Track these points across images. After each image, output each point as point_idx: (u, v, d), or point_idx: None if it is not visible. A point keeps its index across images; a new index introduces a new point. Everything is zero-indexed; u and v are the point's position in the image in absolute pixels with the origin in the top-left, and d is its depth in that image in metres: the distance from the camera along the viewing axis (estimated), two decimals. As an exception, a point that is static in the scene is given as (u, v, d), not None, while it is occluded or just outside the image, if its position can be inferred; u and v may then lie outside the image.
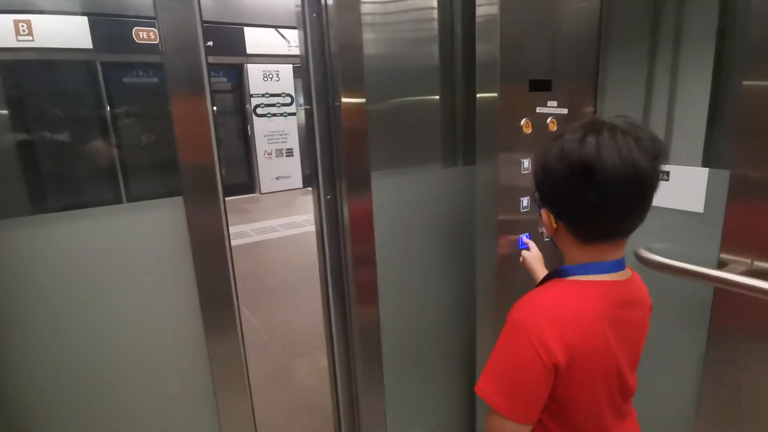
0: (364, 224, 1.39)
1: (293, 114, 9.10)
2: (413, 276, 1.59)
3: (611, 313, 0.80)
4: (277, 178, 9.07)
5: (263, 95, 8.72)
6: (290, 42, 8.72)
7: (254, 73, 8.55)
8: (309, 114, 1.37)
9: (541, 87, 1.40)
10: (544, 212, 0.86)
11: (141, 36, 4.36)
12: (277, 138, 8.99)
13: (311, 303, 3.76)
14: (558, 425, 0.87)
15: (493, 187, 1.41)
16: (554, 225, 0.85)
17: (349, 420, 1.62)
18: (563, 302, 0.80)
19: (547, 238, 0.94)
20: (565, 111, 1.45)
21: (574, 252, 0.84)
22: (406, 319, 1.61)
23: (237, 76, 8.63)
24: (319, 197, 1.42)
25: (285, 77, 8.88)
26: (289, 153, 9.14)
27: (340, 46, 1.26)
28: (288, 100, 8.99)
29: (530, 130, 1.39)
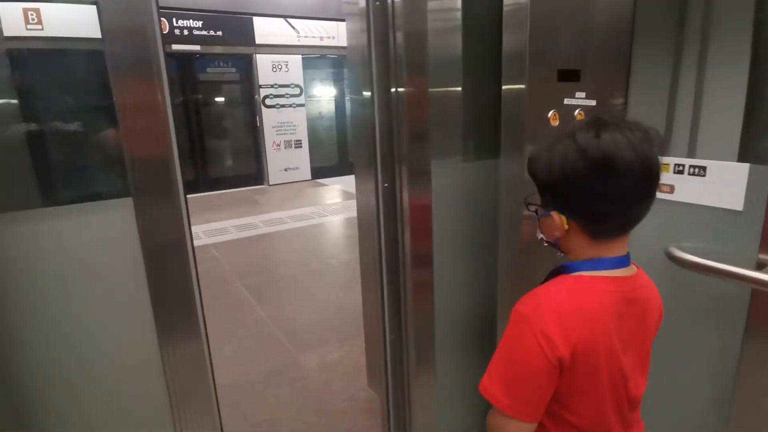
0: (423, 211, 1.39)
1: (302, 105, 9.04)
2: (462, 262, 1.60)
3: (617, 310, 0.79)
4: (286, 170, 9.04)
5: (272, 86, 8.67)
6: (299, 32, 8.65)
7: (263, 63, 8.50)
8: (369, 101, 1.39)
9: (570, 77, 1.35)
10: (554, 214, 0.82)
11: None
12: (286, 129, 8.95)
13: (319, 296, 3.75)
14: (559, 428, 0.85)
15: (517, 180, 1.37)
16: (566, 226, 0.82)
17: (399, 410, 1.63)
18: (569, 297, 0.79)
19: (546, 243, 0.91)
20: (593, 102, 1.40)
21: (587, 250, 0.82)
22: (457, 307, 1.62)
23: (245, 67, 8.58)
24: (376, 184, 1.43)
25: (294, 68, 8.81)
26: (298, 144, 9.10)
27: (405, 34, 1.26)
28: (297, 91, 8.94)
29: (557, 123, 1.35)
